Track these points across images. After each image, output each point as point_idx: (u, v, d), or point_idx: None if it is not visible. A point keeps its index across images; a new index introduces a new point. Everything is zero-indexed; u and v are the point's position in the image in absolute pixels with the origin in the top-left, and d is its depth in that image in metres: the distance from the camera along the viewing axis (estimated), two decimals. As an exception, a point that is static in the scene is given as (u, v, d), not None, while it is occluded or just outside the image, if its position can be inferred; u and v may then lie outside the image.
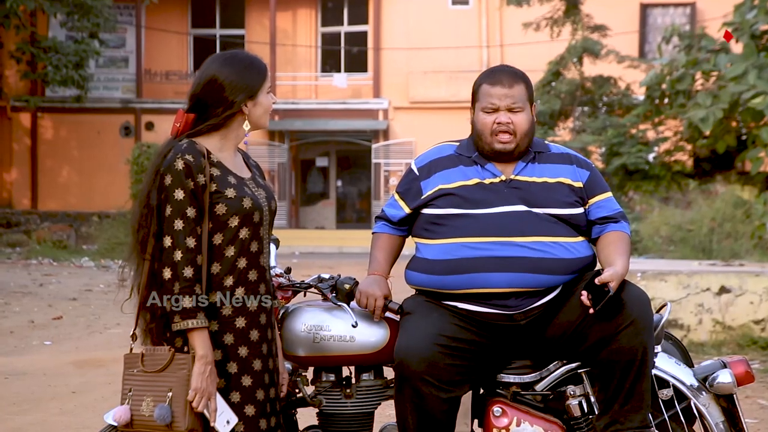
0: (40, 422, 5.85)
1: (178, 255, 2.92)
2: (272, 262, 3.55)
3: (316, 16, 28.87)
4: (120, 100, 28.11)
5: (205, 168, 2.98)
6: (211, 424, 2.92)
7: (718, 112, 12.53)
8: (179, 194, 2.95)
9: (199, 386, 2.90)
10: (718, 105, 12.54)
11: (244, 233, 3.03)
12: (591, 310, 3.08)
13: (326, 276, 3.45)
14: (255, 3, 28.70)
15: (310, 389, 3.42)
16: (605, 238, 3.31)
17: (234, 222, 3.01)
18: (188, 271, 2.92)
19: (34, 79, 25.74)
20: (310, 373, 3.45)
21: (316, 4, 28.80)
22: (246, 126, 3.10)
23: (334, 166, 29.68)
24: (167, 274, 2.93)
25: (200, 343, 2.92)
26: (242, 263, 3.03)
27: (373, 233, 3.52)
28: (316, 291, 3.42)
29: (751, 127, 13.09)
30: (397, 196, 3.45)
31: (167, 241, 2.94)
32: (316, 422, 3.43)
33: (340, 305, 3.34)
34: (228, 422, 2.93)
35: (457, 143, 3.45)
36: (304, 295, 3.53)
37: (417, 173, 3.41)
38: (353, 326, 3.30)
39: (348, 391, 3.37)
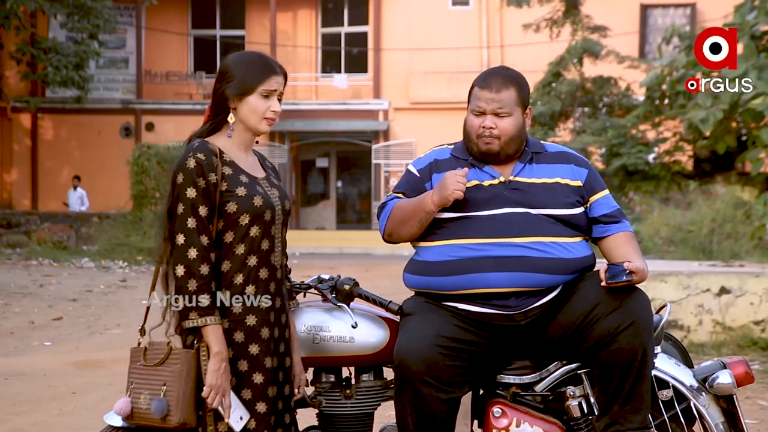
0: (40, 423, 5.85)
1: (193, 252, 2.93)
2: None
3: (317, 17, 28.88)
4: (120, 100, 28.12)
5: (216, 167, 3.00)
6: (225, 420, 2.94)
7: (718, 113, 12.51)
8: (191, 192, 2.96)
9: (214, 383, 2.91)
10: (718, 106, 12.53)
11: (254, 231, 3.04)
12: (603, 283, 3.12)
13: (326, 277, 3.46)
14: (255, 4, 28.71)
15: (310, 390, 3.42)
16: (615, 239, 3.32)
17: (245, 220, 3.02)
18: (204, 269, 2.94)
19: (34, 80, 25.77)
20: (309, 374, 3.44)
21: (317, 5, 28.80)
22: (230, 118, 3.07)
23: (335, 166, 29.68)
24: (180, 271, 2.93)
25: (215, 340, 2.94)
26: (252, 261, 3.04)
27: (388, 207, 3.38)
28: (316, 291, 3.43)
29: (752, 128, 13.07)
30: (400, 195, 3.39)
31: (180, 239, 2.95)
32: (315, 423, 3.43)
33: (339, 306, 3.34)
34: (241, 418, 2.96)
35: (452, 146, 3.45)
36: (304, 296, 3.53)
37: (418, 175, 3.40)
38: (353, 327, 3.31)
39: (348, 391, 3.37)
